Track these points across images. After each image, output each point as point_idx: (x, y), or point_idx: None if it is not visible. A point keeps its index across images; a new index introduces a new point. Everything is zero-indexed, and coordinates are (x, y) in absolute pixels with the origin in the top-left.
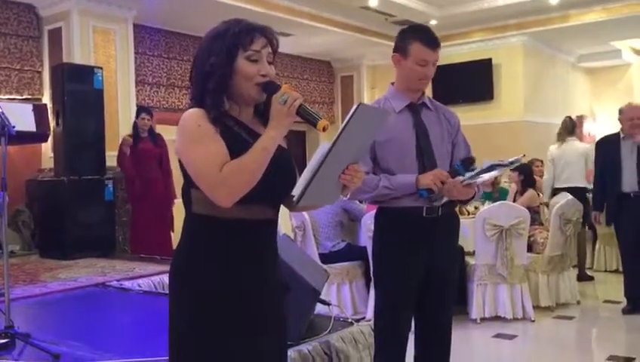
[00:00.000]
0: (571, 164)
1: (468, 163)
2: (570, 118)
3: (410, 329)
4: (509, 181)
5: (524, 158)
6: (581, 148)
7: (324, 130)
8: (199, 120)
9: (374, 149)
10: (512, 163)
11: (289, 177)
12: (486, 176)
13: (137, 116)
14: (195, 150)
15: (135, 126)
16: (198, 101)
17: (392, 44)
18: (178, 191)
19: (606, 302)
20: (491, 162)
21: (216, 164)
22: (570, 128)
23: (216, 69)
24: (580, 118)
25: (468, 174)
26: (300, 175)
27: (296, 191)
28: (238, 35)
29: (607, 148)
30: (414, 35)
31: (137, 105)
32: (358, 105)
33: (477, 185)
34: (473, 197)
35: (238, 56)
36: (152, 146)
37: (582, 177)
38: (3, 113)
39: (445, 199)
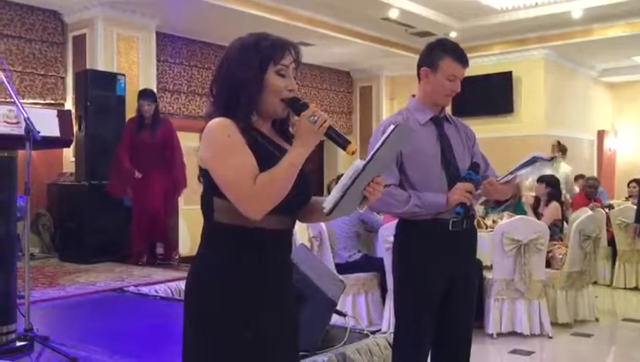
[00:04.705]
0: None
1: (476, 168)
2: None
3: (430, 342)
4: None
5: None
6: None
7: (352, 153)
8: (229, 130)
9: (402, 161)
10: (552, 159)
11: (304, 189)
12: (525, 171)
13: (138, 100)
14: (226, 161)
15: (139, 110)
16: (224, 111)
17: (412, 55)
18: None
19: (625, 320)
20: (533, 154)
21: (249, 177)
22: None
23: (248, 80)
24: (602, 133)
25: (509, 170)
26: (311, 185)
27: (327, 205)
28: (271, 49)
29: None
30: (445, 51)
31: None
32: (395, 127)
33: (515, 182)
34: (509, 200)
35: (269, 69)
36: (152, 137)
37: None
38: (28, 118)
39: (482, 199)
